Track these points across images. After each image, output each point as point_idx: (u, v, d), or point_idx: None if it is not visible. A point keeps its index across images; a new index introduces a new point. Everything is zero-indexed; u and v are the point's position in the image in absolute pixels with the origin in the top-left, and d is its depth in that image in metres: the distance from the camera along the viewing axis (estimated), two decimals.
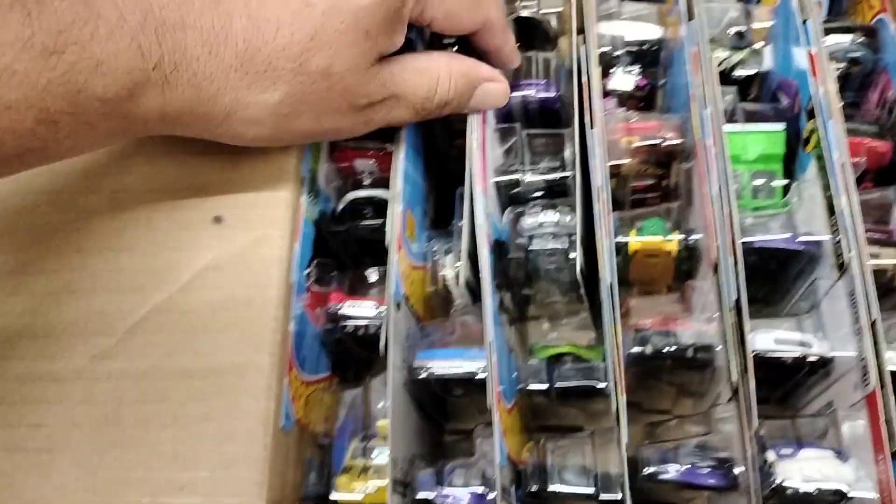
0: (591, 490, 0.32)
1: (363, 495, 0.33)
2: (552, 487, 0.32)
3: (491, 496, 0.32)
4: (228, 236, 0.36)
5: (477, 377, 0.34)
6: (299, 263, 0.37)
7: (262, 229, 0.37)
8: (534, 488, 0.32)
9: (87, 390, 0.34)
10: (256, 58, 0.31)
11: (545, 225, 0.35)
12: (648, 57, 0.41)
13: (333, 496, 0.34)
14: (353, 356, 0.39)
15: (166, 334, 0.35)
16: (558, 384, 0.34)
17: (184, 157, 0.38)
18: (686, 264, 0.36)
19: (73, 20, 0.28)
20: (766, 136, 0.37)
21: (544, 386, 0.34)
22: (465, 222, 0.35)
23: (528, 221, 0.35)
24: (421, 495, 0.33)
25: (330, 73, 0.32)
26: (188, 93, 0.31)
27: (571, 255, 0.34)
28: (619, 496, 0.31)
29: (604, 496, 0.31)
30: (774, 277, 0.37)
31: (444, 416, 0.40)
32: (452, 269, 0.37)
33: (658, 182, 0.39)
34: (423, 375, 0.35)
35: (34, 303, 0.36)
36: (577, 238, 0.34)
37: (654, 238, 0.35)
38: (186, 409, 0.33)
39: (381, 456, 0.35)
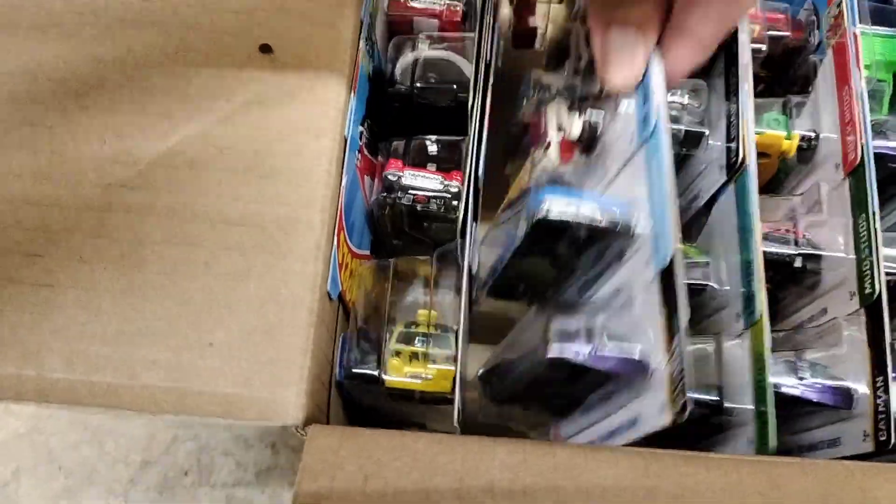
0: (714, 398, 0.29)
1: (421, 381, 0.30)
2: None
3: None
4: (277, 71, 0.31)
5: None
6: (354, 118, 0.32)
7: (316, 69, 0.32)
8: None
9: (99, 222, 0.28)
10: None
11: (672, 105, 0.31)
12: None
13: (386, 378, 0.30)
14: (396, 234, 0.35)
15: (200, 171, 0.29)
16: None
17: None
18: (788, 168, 0.33)
19: None
20: (888, 42, 0.34)
21: None
22: None
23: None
24: None
25: None
26: None
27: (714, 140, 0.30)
28: (747, 406, 0.28)
29: (728, 405, 0.29)
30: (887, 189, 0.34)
31: None
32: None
33: (757, 77, 0.35)
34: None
35: (33, 113, 0.29)
36: (738, 129, 0.29)
37: (774, 132, 0.32)
38: (221, 260, 0.28)
39: (429, 345, 0.31)
